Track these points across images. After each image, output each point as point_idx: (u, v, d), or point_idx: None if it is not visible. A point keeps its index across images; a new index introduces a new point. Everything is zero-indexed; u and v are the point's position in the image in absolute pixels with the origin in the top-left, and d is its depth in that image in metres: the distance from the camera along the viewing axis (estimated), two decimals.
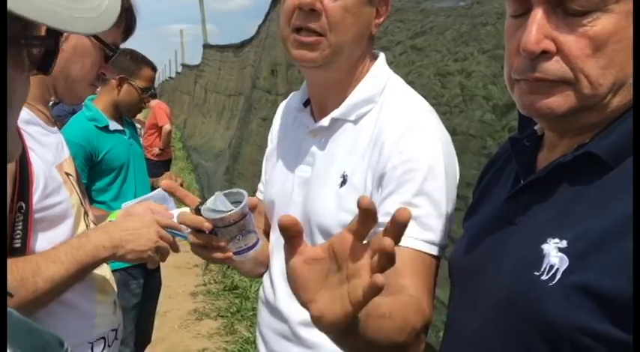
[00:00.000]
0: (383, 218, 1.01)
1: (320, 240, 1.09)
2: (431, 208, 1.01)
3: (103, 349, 1.29)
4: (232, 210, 1.04)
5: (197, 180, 8.88)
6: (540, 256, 0.71)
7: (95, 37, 1.24)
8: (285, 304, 1.16)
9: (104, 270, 1.32)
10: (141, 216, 1.26)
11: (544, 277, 0.70)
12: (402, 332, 0.85)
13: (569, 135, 0.79)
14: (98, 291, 1.30)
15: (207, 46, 12.58)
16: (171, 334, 4.03)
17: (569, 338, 0.66)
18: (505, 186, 0.88)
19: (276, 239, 1.22)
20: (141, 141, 2.84)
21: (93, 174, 2.40)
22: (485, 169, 1.02)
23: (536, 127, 0.87)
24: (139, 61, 2.61)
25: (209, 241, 1.09)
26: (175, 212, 1.31)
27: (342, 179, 1.09)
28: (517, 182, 0.83)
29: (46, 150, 1.20)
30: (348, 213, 1.04)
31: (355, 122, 1.12)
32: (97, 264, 1.17)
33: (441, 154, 1.04)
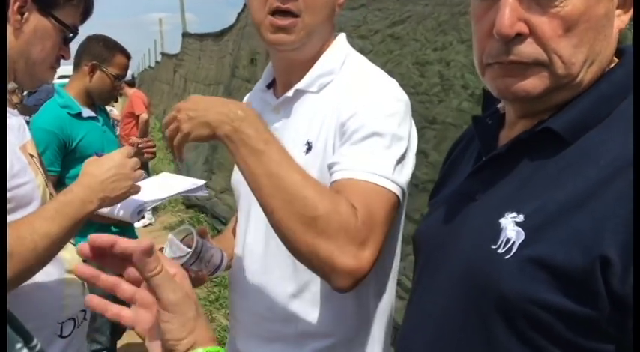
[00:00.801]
0: (330, 166, 1.03)
1: None
2: (381, 148, 1.01)
3: (73, 329, 1.29)
4: (188, 253, 1.12)
5: (176, 171, 8.82)
6: (498, 230, 0.73)
7: (55, 18, 1.23)
8: (253, 282, 1.17)
9: (73, 250, 1.31)
10: (110, 159, 1.25)
11: (500, 250, 0.71)
12: None
13: (529, 116, 0.80)
14: (67, 271, 1.29)
15: (186, 35, 12.43)
16: None
17: (523, 310, 0.68)
18: (468, 163, 0.90)
19: (243, 220, 1.23)
20: (115, 130, 2.80)
21: (67, 162, 2.36)
22: (450, 149, 1.03)
23: (499, 106, 0.89)
24: (112, 47, 2.56)
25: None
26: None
27: (306, 146, 1.10)
28: (479, 159, 0.85)
29: (9, 131, 1.18)
30: (318, 179, 1.03)
31: (317, 92, 1.14)
32: (86, 217, 1.18)
33: (393, 112, 1.04)
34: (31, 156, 1.26)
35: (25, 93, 5.67)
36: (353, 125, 1.04)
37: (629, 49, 0.77)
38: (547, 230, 0.68)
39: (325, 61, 1.15)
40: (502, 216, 0.73)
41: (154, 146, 2.47)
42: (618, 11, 0.74)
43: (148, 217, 6.48)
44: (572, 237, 0.65)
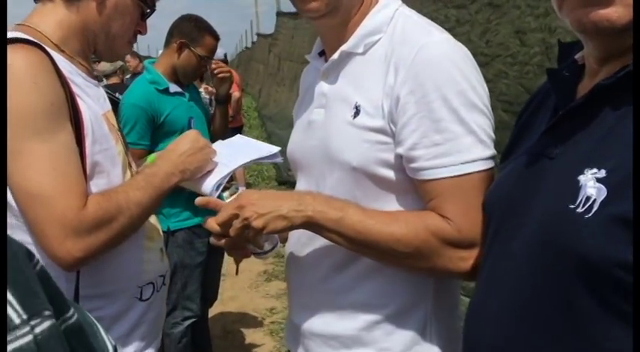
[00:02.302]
0: (404, 151, 1.00)
1: (345, 178, 1.07)
2: (458, 127, 0.97)
3: (152, 294, 1.34)
4: (273, 247, 1.18)
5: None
6: (576, 188, 0.66)
7: None
8: (305, 253, 1.17)
9: (151, 218, 1.35)
10: (186, 136, 1.35)
11: (579, 210, 0.64)
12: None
13: (612, 59, 0.70)
14: (146, 238, 1.34)
15: (280, 14, 12.55)
16: (242, 294, 4.17)
17: (607, 274, 0.61)
18: (543, 121, 0.81)
19: (298, 185, 1.23)
20: (205, 105, 2.84)
21: (156, 136, 2.43)
22: (523, 109, 0.95)
23: (576, 56, 0.80)
24: (203, 28, 2.58)
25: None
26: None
27: (355, 110, 1.06)
28: (555, 114, 0.76)
29: (92, 99, 1.23)
30: (367, 143, 1.03)
31: (364, 53, 1.10)
32: (170, 189, 1.27)
33: (458, 69, 0.98)
34: (112, 125, 1.30)
35: (127, 76, 5.98)
36: (416, 95, 0.98)
37: None
38: (630, 187, 0.60)
39: (371, 19, 1.11)
40: (581, 172, 0.66)
41: (226, 70, 2.64)
42: None
43: (241, 188, 6.66)
44: None
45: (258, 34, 18.43)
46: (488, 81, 3.11)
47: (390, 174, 1.04)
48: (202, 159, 1.31)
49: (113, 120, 1.33)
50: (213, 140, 2.44)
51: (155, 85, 2.46)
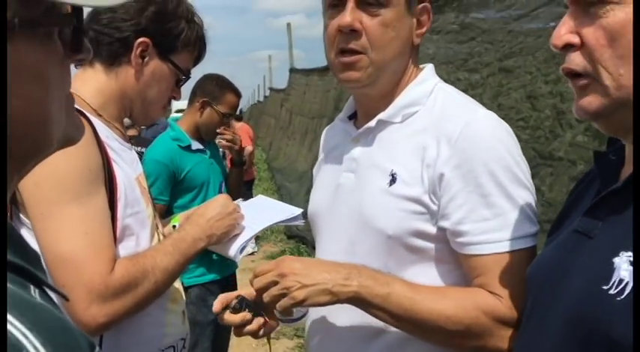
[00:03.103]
0: (450, 225, 1.00)
1: (378, 246, 1.05)
2: (505, 202, 0.98)
3: None
4: (303, 314, 1.17)
5: (280, 201, 8.99)
6: (611, 269, 0.68)
7: (172, 63, 1.31)
8: (327, 324, 1.14)
9: (175, 281, 1.35)
10: (215, 201, 1.37)
11: (612, 291, 0.66)
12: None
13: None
14: (170, 300, 1.34)
15: (293, 70, 12.86)
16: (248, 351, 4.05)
17: None
18: (588, 201, 0.84)
19: (322, 249, 1.20)
20: (223, 161, 2.90)
21: (176, 192, 2.47)
22: (573, 188, 0.98)
23: (623, 141, 0.82)
24: (224, 86, 2.67)
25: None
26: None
27: (390, 177, 1.06)
28: (598, 196, 0.79)
29: (126, 163, 1.26)
30: (403, 212, 1.03)
31: (401, 123, 1.11)
32: (197, 254, 1.28)
33: (504, 145, 1.01)
34: (144, 188, 1.33)
35: (144, 127, 6.08)
36: (463, 169, 0.99)
37: None
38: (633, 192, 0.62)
39: (411, 91, 1.12)
40: (616, 254, 0.68)
41: (229, 138, 2.72)
42: None
43: (252, 246, 6.63)
44: None
45: (271, 89, 18.81)
46: None
47: (424, 244, 1.04)
48: (230, 224, 1.33)
49: (144, 183, 1.35)
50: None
51: (178, 141, 2.53)
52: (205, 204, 1.38)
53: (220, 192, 2.58)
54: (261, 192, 9.30)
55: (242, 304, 1.11)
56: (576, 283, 0.74)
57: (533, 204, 1.02)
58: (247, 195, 6.23)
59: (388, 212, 1.05)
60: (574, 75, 0.75)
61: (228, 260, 2.55)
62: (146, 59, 1.27)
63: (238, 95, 2.73)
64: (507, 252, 0.98)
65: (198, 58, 1.40)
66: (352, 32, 1.05)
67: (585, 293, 0.71)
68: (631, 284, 0.64)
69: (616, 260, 0.68)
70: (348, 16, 1.03)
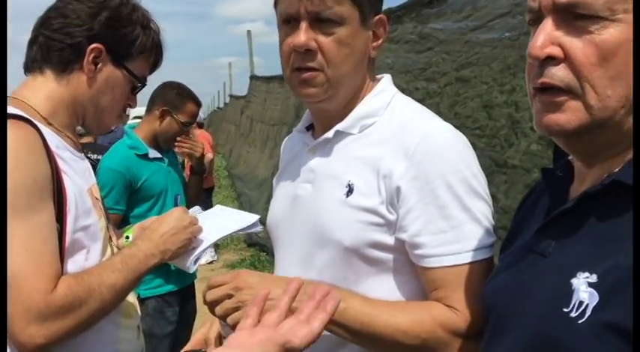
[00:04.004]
0: (408, 237, 1.00)
1: (336, 258, 1.04)
2: (462, 214, 0.98)
3: None
4: None
5: (240, 209, 8.91)
6: (569, 291, 0.66)
7: (127, 69, 1.27)
8: None
9: (129, 296, 1.31)
10: (169, 215, 1.32)
11: (573, 314, 0.65)
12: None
13: (597, 164, 0.73)
14: (123, 315, 1.29)
15: (254, 78, 12.79)
16: None
17: None
18: (539, 217, 0.83)
19: (280, 259, 1.20)
20: (182, 170, 2.86)
21: (132, 201, 2.42)
22: (522, 200, 0.97)
23: (570, 157, 0.82)
24: (185, 95, 2.63)
25: None
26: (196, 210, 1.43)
27: (347, 188, 1.05)
28: (550, 213, 0.78)
29: (77, 174, 1.22)
30: (360, 223, 1.02)
31: (359, 134, 1.10)
32: (149, 271, 1.24)
33: (461, 157, 1.01)
34: (96, 199, 1.28)
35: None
36: (420, 181, 0.99)
37: None
38: (622, 292, 0.61)
39: (368, 102, 1.12)
40: (574, 275, 0.67)
41: (187, 145, 2.68)
42: None
43: (211, 254, 6.54)
44: None
45: (231, 96, 18.67)
46: None
47: (382, 255, 1.03)
48: (186, 238, 1.29)
49: (97, 194, 1.31)
50: (188, 205, 2.46)
51: (135, 150, 2.47)
52: (159, 217, 1.33)
53: (176, 203, 2.54)
54: (221, 200, 9.22)
55: None
56: (537, 304, 0.72)
57: (490, 215, 1.03)
58: (207, 202, 6.15)
59: (345, 223, 1.03)
60: (548, 89, 0.70)
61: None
62: (99, 66, 1.23)
63: (198, 104, 2.70)
64: (464, 264, 0.98)
65: (154, 64, 1.37)
66: (307, 51, 1.04)
67: (546, 315, 0.69)
68: (591, 307, 0.63)
69: (574, 281, 0.67)
70: (303, 36, 1.02)
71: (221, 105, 23.80)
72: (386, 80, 1.16)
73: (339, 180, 1.07)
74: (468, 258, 0.98)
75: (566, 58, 0.68)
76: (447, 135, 1.04)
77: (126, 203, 2.38)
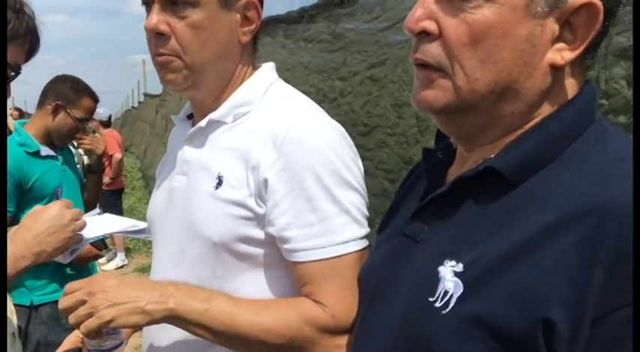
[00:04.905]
0: (276, 231, 0.97)
1: (206, 254, 1.00)
2: (332, 206, 0.95)
3: None
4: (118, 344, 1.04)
5: None
6: (436, 280, 0.65)
7: None
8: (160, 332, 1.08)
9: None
10: (46, 212, 1.18)
11: (438, 304, 0.63)
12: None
13: (476, 149, 0.73)
14: None
15: None
16: None
17: None
18: (415, 200, 0.81)
19: (156, 255, 1.15)
20: (78, 167, 2.70)
21: (23, 202, 2.26)
22: (403, 181, 0.96)
23: (452, 139, 0.81)
24: (81, 90, 2.49)
25: None
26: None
27: (217, 180, 1.01)
28: (426, 196, 0.77)
29: None
30: (229, 217, 0.98)
31: (233, 123, 1.06)
32: (19, 274, 1.14)
33: (332, 148, 0.97)
34: None
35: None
36: (288, 172, 0.95)
37: (589, 87, 0.69)
38: (486, 283, 0.60)
39: (243, 91, 1.07)
40: (441, 263, 0.66)
41: (87, 142, 2.58)
42: (560, 44, 0.65)
43: (121, 259, 6.28)
44: (511, 294, 0.57)
45: (146, 94, 18.08)
46: (369, 149, 3.25)
47: (253, 250, 1.00)
48: (64, 237, 1.18)
49: None
50: (86, 209, 2.33)
51: (25, 147, 2.31)
52: (34, 213, 1.20)
53: (57, 196, 2.38)
54: (134, 202, 8.89)
55: None
56: (404, 292, 0.71)
57: (363, 206, 1.00)
58: (116, 205, 5.90)
59: (214, 217, 0.99)
60: (424, 65, 0.69)
61: (85, 273, 2.39)
62: None
63: (95, 99, 2.56)
64: (332, 258, 0.95)
65: (30, 51, 1.27)
66: (159, 35, 0.99)
67: (412, 305, 0.68)
68: (455, 297, 0.62)
69: (441, 269, 0.66)
70: (154, 18, 0.98)
71: (135, 105, 22.99)
72: (266, 68, 1.12)
73: (209, 172, 1.03)
74: (337, 251, 0.95)
75: (441, 35, 0.67)
76: (319, 124, 1.00)
77: (15, 204, 2.22)
